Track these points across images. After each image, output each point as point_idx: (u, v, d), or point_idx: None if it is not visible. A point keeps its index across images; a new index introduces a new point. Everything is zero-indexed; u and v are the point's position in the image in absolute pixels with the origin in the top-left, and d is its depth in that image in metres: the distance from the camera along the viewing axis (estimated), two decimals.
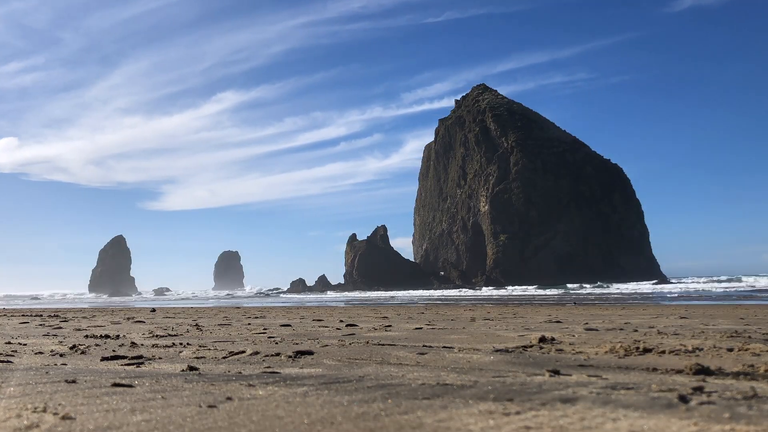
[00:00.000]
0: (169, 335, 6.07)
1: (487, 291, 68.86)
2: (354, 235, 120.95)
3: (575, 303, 21.41)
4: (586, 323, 7.66)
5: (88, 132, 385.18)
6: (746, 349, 3.94)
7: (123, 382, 2.58)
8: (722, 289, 41.46)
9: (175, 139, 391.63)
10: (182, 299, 61.57)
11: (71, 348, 4.48)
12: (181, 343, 4.98)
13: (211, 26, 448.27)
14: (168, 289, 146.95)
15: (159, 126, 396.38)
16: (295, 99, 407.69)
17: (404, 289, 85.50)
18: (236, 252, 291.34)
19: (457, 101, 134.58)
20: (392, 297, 50.66)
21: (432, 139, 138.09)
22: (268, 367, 3.32)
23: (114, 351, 4.29)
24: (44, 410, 2.01)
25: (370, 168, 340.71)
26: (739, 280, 55.92)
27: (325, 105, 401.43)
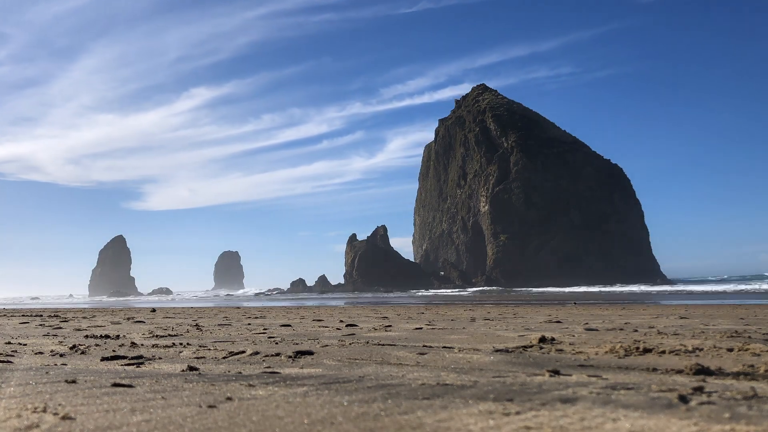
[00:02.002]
0: (169, 335, 6.07)
1: (487, 291, 68.85)
2: (354, 235, 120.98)
3: (575, 303, 21.41)
4: (586, 323, 7.66)
5: (59, 130, 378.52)
6: (746, 349, 3.94)
7: (123, 382, 2.58)
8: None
9: (152, 137, 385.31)
10: (183, 299, 61.59)
11: (71, 348, 4.48)
12: (181, 343, 4.98)
13: (162, 18, 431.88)
14: (169, 290, 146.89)
15: (134, 123, 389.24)
16: (270, 95, 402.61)
17: (404, 289, 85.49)
18: (236, 252, 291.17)
19: (457, 101, 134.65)
20: (392, 297, 50.67)
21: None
22: (268, 367, 3.32)
23: (114, 351, 4.29)
24: (44, 410, 2.01)
25: (356, 167, 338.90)
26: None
27: (302, 101, 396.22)
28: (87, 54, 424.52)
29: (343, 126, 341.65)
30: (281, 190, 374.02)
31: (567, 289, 58.91)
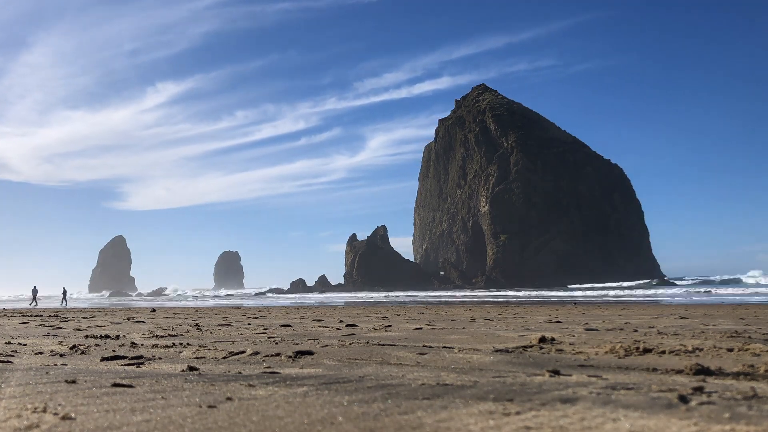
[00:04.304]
0: (169, 335, 6.07)
1: (487, 291, 68.88)
2: (354, 236, 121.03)
3: (575, 303, 21.40)
4: (586, 323, 7.66)
5: (25, 127, 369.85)
6: (746, 349, 3.94)
7: (123, 382, 2.58)
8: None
9: (125, 135, 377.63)
10: (182, 298, 61.61)
11: (71, 348, 4.48)
12: (181, 343, 4.98)
13: (104, 9, 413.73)
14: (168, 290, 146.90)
15: (103, 120, 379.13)
16: (238, 90, 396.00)
17: (404, 289, 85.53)
18: (236, 252, 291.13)
19: (457, 101, 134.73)
20: (392, 297, 50.67)
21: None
22: (268, 367, 3.32)
23: (114, 351, 4.29)
24: (44, 410, 2.01)
25: (339, 165, 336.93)
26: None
27: (273, 96, 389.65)
28: (31, 48, 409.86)
29: (319, 122, 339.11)
30: (264, 189, 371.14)
31: (567, 289, 58.90)
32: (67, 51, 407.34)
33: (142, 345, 4.83)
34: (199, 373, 2.99)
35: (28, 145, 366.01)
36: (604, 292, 48.28)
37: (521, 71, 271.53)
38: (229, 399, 2.20)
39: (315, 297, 60.82)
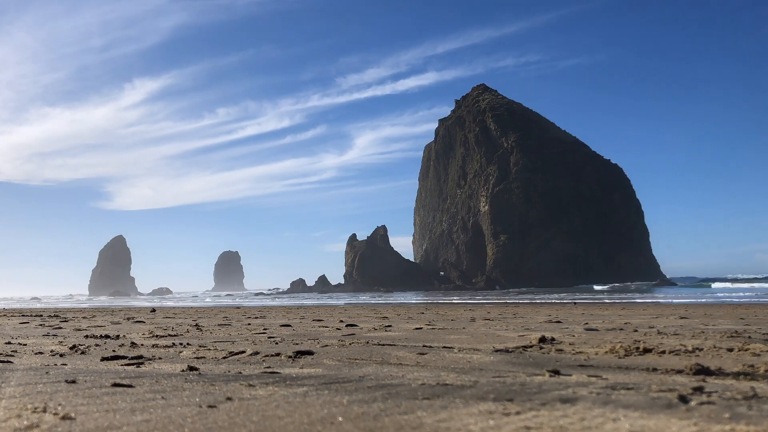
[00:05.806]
0: (169, 335, 6.07)
1: (487, 291, 68.87)
2: (354, 236, 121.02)
3: (575, 303, 21.40)
4: (586, 323, 7.66)
5: (2, 126, 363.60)
6: (746, 349, 3.94)
7: (123, 382, 2.58)
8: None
9: (106, 133, 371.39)
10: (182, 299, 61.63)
11: (71, 348, 4.48)
12: (181, 344, 4.98)
13: (61, 4, 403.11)
14: (169, 290, 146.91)
15: (82, 118, 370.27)
16: (216, 86, 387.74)
17: (404, 289, 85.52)
18: (236, 252, 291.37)
19: (457, 101, 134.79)
20: (392, 297, 50.66)
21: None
22: (268, 367, 3.32)
23: (114, 351, 4.29)
24: (44, 410, 2.01)
25: (328, 164, 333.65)
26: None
27: (254, 93, 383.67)
28: None
29: (303, 120, 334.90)
30: (253, 189, 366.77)
31: (567, 289, 58.91)
32: (33, 46, 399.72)
33: (142, 345, 4.83)
34: (199, 373, 2.99)
35: (5, 144, 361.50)
36: (604, 292, 48.27)
37: (509, 67, 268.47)
38: (229, 399, 2.20)
39: (315, 297, 60.82)
